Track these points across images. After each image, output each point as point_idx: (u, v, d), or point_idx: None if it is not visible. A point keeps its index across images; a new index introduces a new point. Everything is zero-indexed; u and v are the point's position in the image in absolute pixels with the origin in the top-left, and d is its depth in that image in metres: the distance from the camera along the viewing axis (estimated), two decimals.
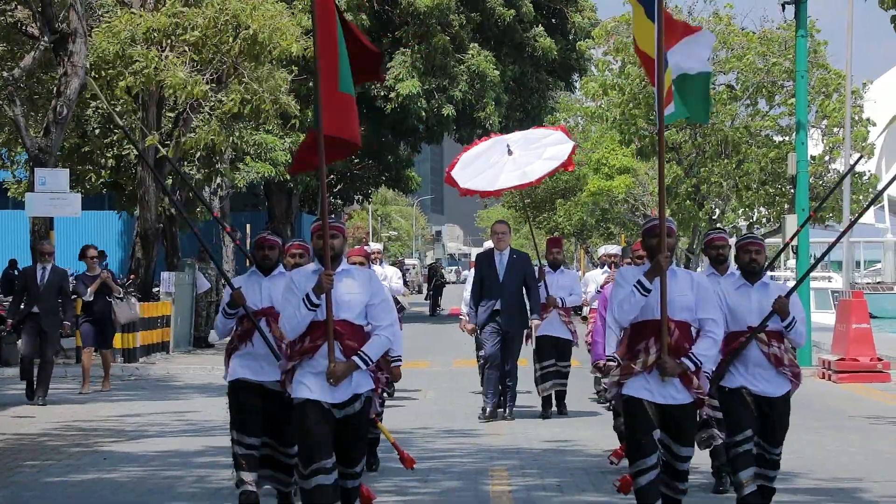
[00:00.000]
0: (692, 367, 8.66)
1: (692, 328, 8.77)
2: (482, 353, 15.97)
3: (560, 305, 16.36)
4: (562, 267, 16.75)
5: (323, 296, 8.41)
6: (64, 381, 21.06)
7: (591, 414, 16.50)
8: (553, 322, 16.34)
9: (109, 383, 19.89)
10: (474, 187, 16.39)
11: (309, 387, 8.45)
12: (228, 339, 9.81)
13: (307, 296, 8.40)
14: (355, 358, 8.46)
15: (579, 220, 51.09)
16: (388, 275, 17.33)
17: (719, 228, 10.73)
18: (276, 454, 9.59)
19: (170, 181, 29.98)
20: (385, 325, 8.58)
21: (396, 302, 18.30)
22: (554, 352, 16.39)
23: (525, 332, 15.89)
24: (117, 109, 29.38)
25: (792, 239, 10.82)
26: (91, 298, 19.45)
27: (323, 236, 8.53)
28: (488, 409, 15.73)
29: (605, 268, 17.46)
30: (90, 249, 19.86)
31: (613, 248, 17.97)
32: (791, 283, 9.95)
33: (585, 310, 17.69)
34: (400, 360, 10.60)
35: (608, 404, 16.53)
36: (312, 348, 8.48)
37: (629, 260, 17.32)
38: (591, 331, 15.77)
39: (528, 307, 15.86)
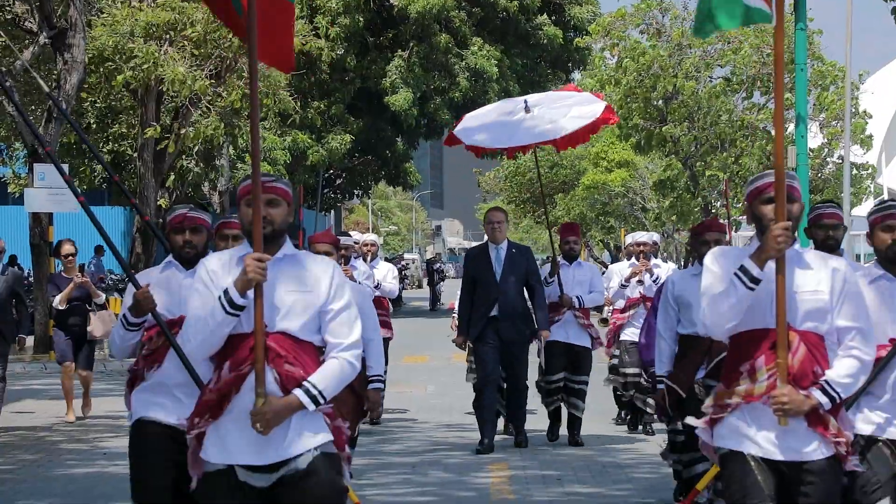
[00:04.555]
0: (827, 404, 5.50)
1: (827, 342, 5.61)
2: (473, 374, 13.55)
3: (577, 306, 13.29)
4: (579, 259, 13.84)
5: (251, 293, 5.33)
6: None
7: (613, 439, 13.72)
8: (567, 326, 13.26)
9: (91, 406, 15.95)
10: (483, 143, 13.23)
11: (222, 442, 5.39)
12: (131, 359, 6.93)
13: (226, 292, 5.33)
14: (298, 392, 5.32)
15: (578, 214, 51.10)
16: (382, 273, 14.79)
17: (831, 202, 7.61)
18: None
19: (171, 177, 29.97)
20: (347, 345, 5.43)
21: (394, 303, 16.60)
22: (564, 362, 13.30)
23: (535, 342, 13.11)
24: (115, 105, 29.39)
25: None
26: (63, 307, 15.26)
27: (254, 198, 5.37)
28: (486, 441, 12.74)
29: (633, 259, 14.21)
30: (65, 245, 15.43)
31: (644, 236, 14.61)
32: None
33: (606, 310, 14.77)
34: (381, 382, 8.43)
35: (638, 426, 14.15)
36: (236, 381, 5.36)
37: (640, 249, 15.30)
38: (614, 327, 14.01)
39: (532, 312, 13.02)
